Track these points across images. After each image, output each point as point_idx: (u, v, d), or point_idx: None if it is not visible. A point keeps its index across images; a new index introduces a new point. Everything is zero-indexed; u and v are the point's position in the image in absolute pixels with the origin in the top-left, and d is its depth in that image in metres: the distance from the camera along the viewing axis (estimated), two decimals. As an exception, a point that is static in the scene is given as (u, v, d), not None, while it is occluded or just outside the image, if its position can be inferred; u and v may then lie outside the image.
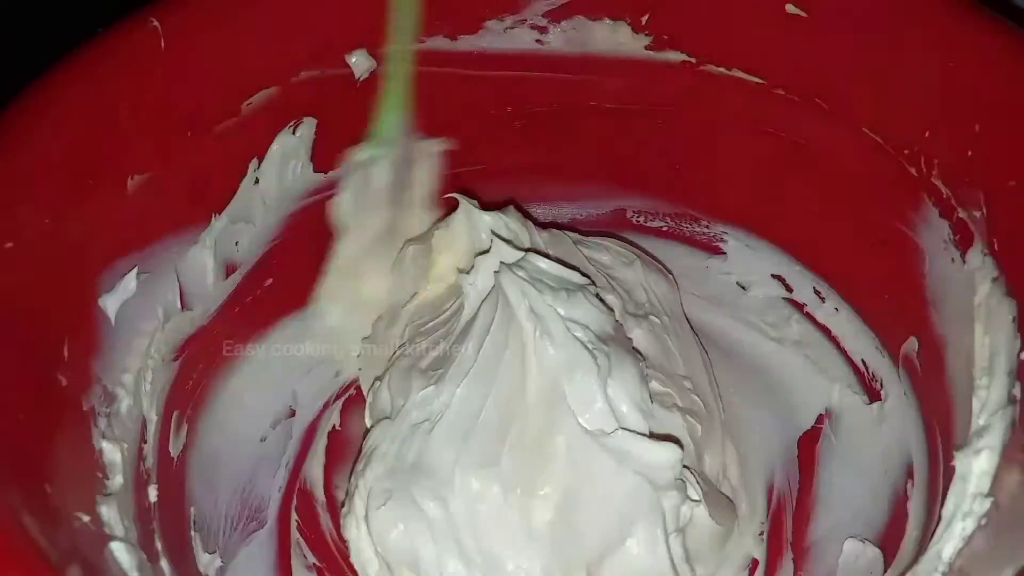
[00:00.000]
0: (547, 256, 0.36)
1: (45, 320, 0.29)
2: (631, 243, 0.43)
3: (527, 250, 0.36)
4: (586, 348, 0.32)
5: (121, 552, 0.26)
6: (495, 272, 0.34)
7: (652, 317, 0.37)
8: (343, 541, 0.36)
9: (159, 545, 0.31)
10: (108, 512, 0.27)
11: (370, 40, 0.38)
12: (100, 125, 0.33)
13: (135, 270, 0.33)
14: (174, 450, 0.36)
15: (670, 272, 0.42)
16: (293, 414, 0.41)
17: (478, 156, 0.42)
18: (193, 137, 0.36)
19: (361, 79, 0.39)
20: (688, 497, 0.32)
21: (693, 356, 0.38)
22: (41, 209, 0.30)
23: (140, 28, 0.34)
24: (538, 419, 0.33)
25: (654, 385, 0.34)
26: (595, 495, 0.32)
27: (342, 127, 0.39)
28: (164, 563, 0.30)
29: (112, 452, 0.30)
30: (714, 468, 0.35)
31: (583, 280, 0.35)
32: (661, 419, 0.34)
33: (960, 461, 0.28)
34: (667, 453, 0.31)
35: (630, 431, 0.32)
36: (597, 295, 0.35)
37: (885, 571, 0.33)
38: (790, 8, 0.35)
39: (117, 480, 0.30)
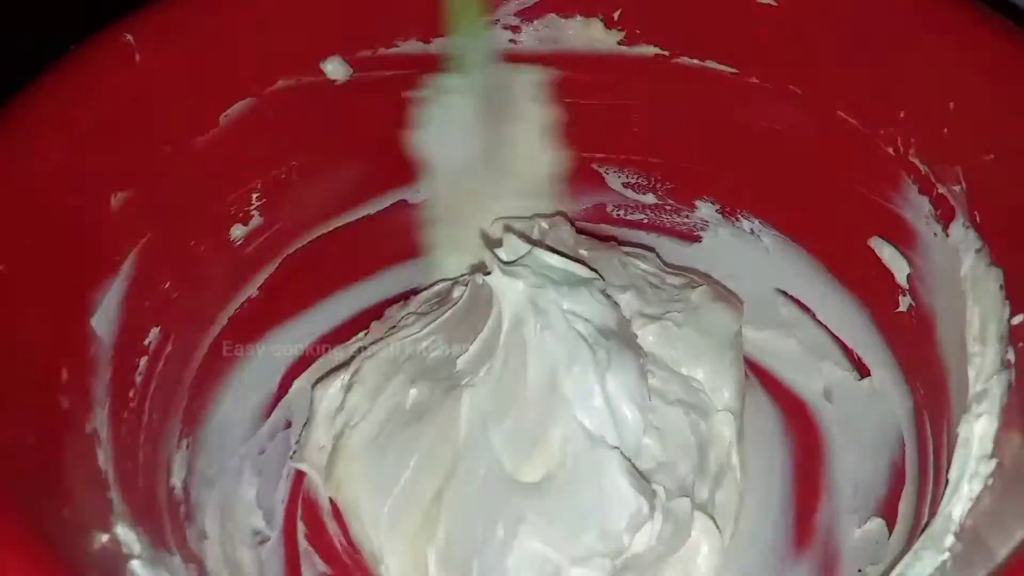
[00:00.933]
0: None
1: (41, 343, 0.29)
2: (613, 236, 0.44)
3: (535, 243, 0.36)
4: (585, 341, 0.33)
5: (140, 570, 0.26)
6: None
7: (667, 319, 0.37)
8: (352, 547, 0.36)
9: (177, 557, 0.30)
10: (124, 532, 0.27)
11: (344, 47, 0.38)
12: (78, 143, 0.32)
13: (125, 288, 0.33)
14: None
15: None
16: (289, 425, 0.41)
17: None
18: (173, 151, 0.35)
19: (338, 84, 0.39)
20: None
21: (717, 370, 0.37)
22: (26, 231, 0.30)
23: (113, 43, 0.33)
24: (536, 411, 0.33)
25: (655, 382, 0.35)
26: (579, 492, 0.32)
27: (322, 132, 0.39)
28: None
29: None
30: (719, 460, 0.35)
31: (589, 275, 0.36)
32: (662, 413, 0.34)
33: (962, 427, 0.28)
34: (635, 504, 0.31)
35: (627, 459, 0.32)
36: (604, 291, 0.35)
37: (889, 539, 0.34)
38: (760, -3, 0.36)
39: None
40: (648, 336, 0.36)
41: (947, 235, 0.33)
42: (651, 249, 0.43)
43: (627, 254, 0.40)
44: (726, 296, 0.40)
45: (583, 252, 0.39)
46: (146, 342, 0.34)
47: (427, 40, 0.39)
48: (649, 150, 0.42)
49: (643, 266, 0.39)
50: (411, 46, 0.39)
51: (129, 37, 0.34)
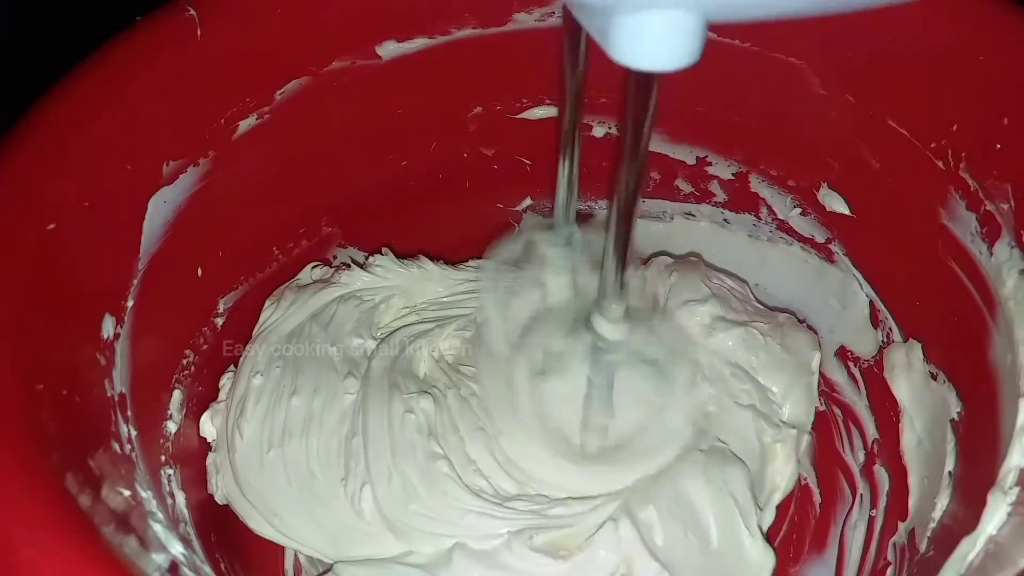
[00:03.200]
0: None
1: (87, 292, 0.31)
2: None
3: None
4: None
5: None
6: None
7: (752, 327, 0.37)
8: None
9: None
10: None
11: (400, 31, 0.39)
12: (135, 113, 0.33)
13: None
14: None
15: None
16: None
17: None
18: (226, 124, 0.36)
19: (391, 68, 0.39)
20: None
21: (795, 388, 0.37)
22: (81, 192, 0.31)
23: (176, 17, 0.34)
24: None
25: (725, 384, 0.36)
26: None
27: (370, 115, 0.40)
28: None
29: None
30: (772, 478, 0.36)
31: None
32: (734, 415, 0.35)
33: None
34: None
35: None
36: None
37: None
38: None
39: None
40: (728, 341, 0.36)
41: (992, 254, 0.32)
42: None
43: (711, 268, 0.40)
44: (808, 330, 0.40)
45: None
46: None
47: (485, 27, 0.39)
48: (700, 135, 0.42)
49: (728, 281, 0.40)
50: (467, 34, 0.39)
51: (192, 12, 0.34)
